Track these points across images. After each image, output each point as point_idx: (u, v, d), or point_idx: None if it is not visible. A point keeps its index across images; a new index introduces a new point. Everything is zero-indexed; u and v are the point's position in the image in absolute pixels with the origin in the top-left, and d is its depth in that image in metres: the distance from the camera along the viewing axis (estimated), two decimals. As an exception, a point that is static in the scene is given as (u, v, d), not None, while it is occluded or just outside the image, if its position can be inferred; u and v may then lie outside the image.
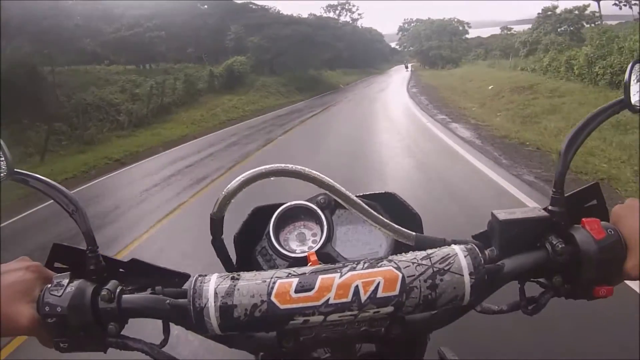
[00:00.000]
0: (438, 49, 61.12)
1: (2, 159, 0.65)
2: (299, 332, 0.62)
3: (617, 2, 33.20)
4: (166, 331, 0.65)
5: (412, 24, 78.34)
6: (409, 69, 70.96)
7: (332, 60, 45.27)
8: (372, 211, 0.67)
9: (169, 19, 31.05)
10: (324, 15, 70.00)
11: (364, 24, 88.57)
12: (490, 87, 19.56)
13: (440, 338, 0.84)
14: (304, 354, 0.67)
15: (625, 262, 0.59)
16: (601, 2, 32.76)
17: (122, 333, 0.62)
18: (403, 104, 20.75)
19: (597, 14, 32.93)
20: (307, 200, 0.91)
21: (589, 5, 32.48)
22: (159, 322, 0.64)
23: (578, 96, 13.29)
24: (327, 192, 0.66)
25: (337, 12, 75.30)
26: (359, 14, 78.43)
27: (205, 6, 38.39)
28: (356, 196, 0.68)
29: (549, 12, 33.03)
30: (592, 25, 32.71)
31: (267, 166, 0.65)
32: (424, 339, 0.81)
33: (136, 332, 0.64)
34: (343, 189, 0.66)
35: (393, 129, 13.32)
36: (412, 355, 0.77)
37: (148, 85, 22.27)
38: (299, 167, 0.65)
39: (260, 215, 0.92)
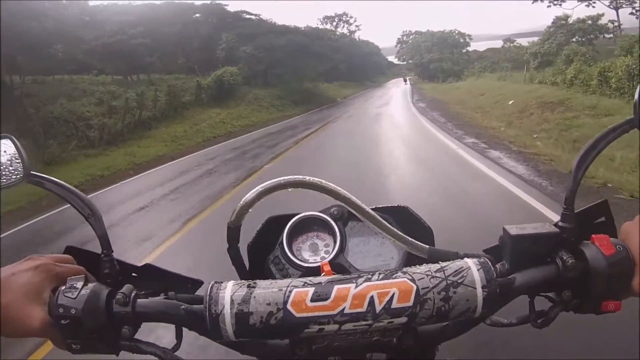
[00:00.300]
0: (439, 62, 59.18)
1: (19, 161, 0.66)
2: (312, 341, 0.63)
3: (633, 11, 30.97)
4: (179, 336, 0.65)
5: (411, 37, 76.48)
6: (408, 82, 69.69)
7: (328, 72, 43.14)
8: (387, 224, 0.67)
9: (155, 26, 28.95)
10: (321, 27, 68.82)
11: (360, 36, 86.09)
12: (510, 103, 17.31)
13: (448, 351, 0.83)
14: None
15: (633, 278, 0.60)
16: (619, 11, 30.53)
17: (134, 337, 0.63)
18: (415, 122, 18.26)
19: (615, 24, 30.78)
20: (320, 212, 0.92)
21: (602, 15, 30.33)
22: (165, 326, 0.64)
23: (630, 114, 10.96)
24: (341, 203, 0.66)
25: (335, 24, 73.84)
26: (356, 26, 76.86)
27: (198, 14, 36.14)
28: (370, 209, 0.68)
29: (562, 22, 30.87)
30: (604, 36, 30.73)
31: (285, 177, 0.66)
32: (433, 350, 0.79)
33: (143, 337, 0.64)
34: (359, 202, 0.66)
35: (416, 159, 10.00)
36: None
37: (128, 97, 19.98)
38: (316, 179, 0.66)
39: (274, 225, 0.93)
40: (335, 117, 23.68)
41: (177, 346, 0.65)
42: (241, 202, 0.67)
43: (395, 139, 13.74)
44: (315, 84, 40.57)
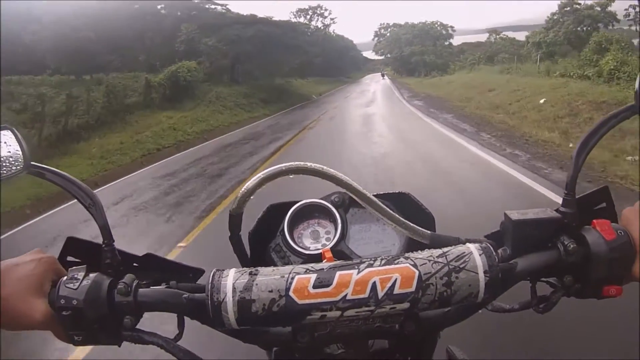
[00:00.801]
0: (421, 55, 55.52)
1: (19, 152, 0.65)
2: (315, 328, 0.63)
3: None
4: (181, 325, 0.65)
5: (389, 29, 72.55)
6: (385, 77, 67.25)
7: (302, 67, 38.94)
8: (389, 210, 0.67)
9: (103, 18, 24.30)
10: (294, 20, 64.77)
11: (335, 31, 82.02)
12: (542, 101, 13.36)
13: (448, 337, 0.83)
14: (317, 349, 0.68)
15: (634, 263, 0.60)
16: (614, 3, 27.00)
17: (137, 327, 0.63)
18: (432, 133, 12.60)
19: (636, 9, 27.18)
20: (321, 199, 0.91)
21: (613, 0, 26.71)
22: (166, 316, 0.63)
23: None
24: (342, 190, 0.67)
25: (309, 17, 69.68)
26: (331, 19, 72.58)
27: (161, 6, 31.67)
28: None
29: (567, 8, 27.19)
30: (612, 25, 27.23)
31: (286, 164, 0.66)
32: (435, 336, 0.78)
33: (144, 326, 0.64)
34: (360, 188, 0.66)
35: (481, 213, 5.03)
36: (422, 353, 0.77)
37: (59, 101, 15.61)
38: (318, 165, 0.66)
39: (275, 213, 0.92)
40: (313, 119, 19.48)
41: (179, 335, 0.65)
42: (243, 190, 0.67)
43: (420, 167, 8.47)
44: (287, 80, 36.28)
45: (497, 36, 50.07)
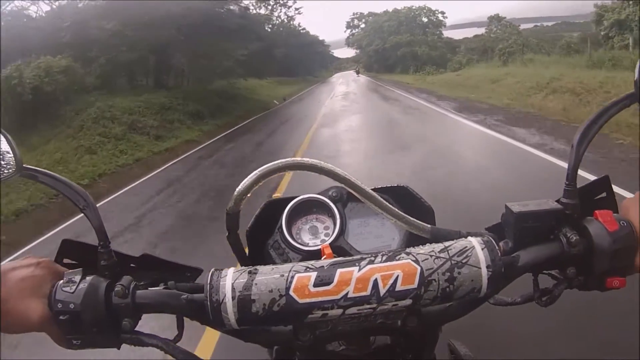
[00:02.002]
0: (409, 46, 45.57)
1: (11, 155, 0.64)
2: (316, 326, 0.63)
3: None
4: (180, 326, 0.65)
5: (364, 19, 62.84)
6: (360, 75, 59.87)
7: (259, 64, 28.50)
8: (388, 205, 0.66)
9: None
10: (254, 11, 54.72)
11: (301, 24, 71.64)
12: None
13: (450, 330, 0.82)
14: (319, 347, 0.69)
15: (637, 254, 0.60)
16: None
17: (136, 329, 0.62)
18: None
19: None
20: (319, 194, 0.91)
21: None
22: (163, 317, 0.63)
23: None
24: (340, 184, 0.66)
25: (270, 7, 59.57)
26: (296, 10, 62.11)
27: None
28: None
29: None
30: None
31: (283, 160, 0.65)
32: (437, 331, 0.78)
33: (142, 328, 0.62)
34: (358, 182, 0.65)
35: None
36: (424, 347, 0.76)
37: None
38: (314, 160, 0.64)
39: (272, 209, 0.91)
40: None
41: (178, 337, 0.65)
42: (239, 188, 0.65)
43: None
44: (232, 82, 25.51)
45: (499, 23, 40.85)
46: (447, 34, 54.05)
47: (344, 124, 14.20)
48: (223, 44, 21.22)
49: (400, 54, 46.02)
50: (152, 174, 10.15)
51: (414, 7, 52.88)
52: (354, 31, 65.50)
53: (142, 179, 9.78)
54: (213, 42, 20.76)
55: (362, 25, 61.87)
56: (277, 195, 5.65)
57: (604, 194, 0.69)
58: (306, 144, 11.01)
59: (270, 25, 56.20)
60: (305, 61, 63.67)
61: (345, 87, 37.08)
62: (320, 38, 77.85)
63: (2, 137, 0.65)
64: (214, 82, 23.37)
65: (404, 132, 11.69)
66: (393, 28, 50.49)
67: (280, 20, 60.17)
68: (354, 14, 69.03)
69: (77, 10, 19.14)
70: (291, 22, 62.48)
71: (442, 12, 51.35)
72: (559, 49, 22.31)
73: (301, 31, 65.61)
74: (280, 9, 60.65)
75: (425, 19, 51.17)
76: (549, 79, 14.28)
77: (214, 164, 10.45)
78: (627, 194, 0.89)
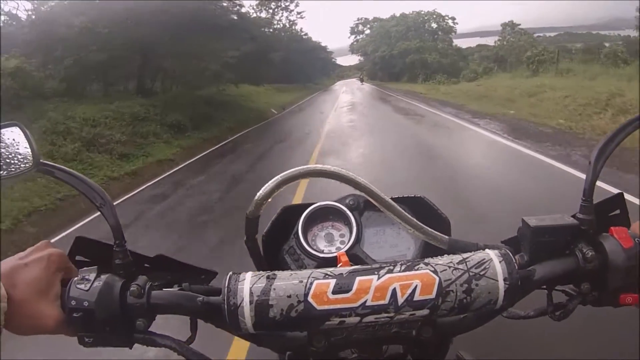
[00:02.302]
0: (418, 53, 42.50)
1: (28, 149, 0.65)
2: (331, 333, 0.63)
3: None
4: (194, 328, 0.65)
5: (368, 25, 60.20)
6: (364, 82, 57.96)
7: (255, 69, 25.70)
8: (407, 214, 0.67)
9: None
10: (255, 15, 52.15)
11: (303, 29, 68.87)
12: None
13: (459, 340, 0.80)
14: (332, 354, 0.68)
15: None
16: None
17: (149, 329, 0.62)
18: None
19: None
20: (335, 201, 0.91)
21: None
22: (171, 318, 0.62)
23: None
24: (357, 193, 0.67)
25: (271, 11, 57.00)
26: (298, 14, 59.49)
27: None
28: None
29: None
30: None
31: (304, 167, 0.65)
32: (449, 341, 0.77)
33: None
34: (379, 191, 0.66)
35: None
36: (435, 358, 0.75)
37: None
38: (335, 167, 0.65)
39: (288, 215, 0.92)
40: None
41: (192, 338, 0.65)
42: (260, 192, 0.66)
43: None
44: (222, 88, 22.45)
45: (512, 30, 38.25)
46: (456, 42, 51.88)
47: (356, 151, 10.29)
48: (213, 44, 18.32)
49: (409, 61, 43.00)
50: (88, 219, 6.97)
51: (422, 12, 49.72)
52: (358, 37, 63.03)
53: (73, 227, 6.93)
54: (203, 42, 17.90)
55: (367, 31, 59.38)
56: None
57: (618, 211, 0.69)
58: (302, 190, 6.24)
59: (270, 29, 53.93)
60: (307, 68, 61.03)
61: (350, 97, 34.20)
62: (323, 44, 75.25)
63: (19, 130, 0.65)
64: (205, 88, 20.62)
65: (456, 174, 7.31)
66: (401, 33, 47.62)
67: (281, 24, 58.16)
68: (358, 20, 66.42)
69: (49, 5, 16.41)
70: (293, 27, 60.34)
71: (453, 18, 48.59)
72: (604, 58, 19.41)
73: (303, 36, 63.13)
74: (282, 13, 58.64)
75: (434, 25, 48.37)
76: (608, 95, 11.40)
77: (173, 208, 7.63)
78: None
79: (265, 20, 54.91)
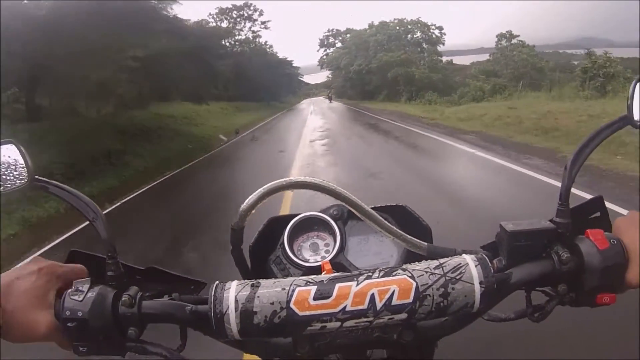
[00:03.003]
0: (403, 66, 36.26)
1: (23, 165, 0.67)
2: (315, 338, 0.65)
3: None
4: (184, 336, 0.67)
5: (341, 36, 54.34)
6: (333, 100, 54.36)
7: (199, 82, 19.16)
8: (387, 223, 0.69)
9: None
10: (215, 24, 45.95)
11: (268, 42, 62.24)
12: None
13: (447, 345, 0.83)
14: (317, 359, 0.69)
15: (627, 271, 0.61)
16: None
17: (141, 338, 0.64)
18: None
19: None
20: (320, 211, 0.94)
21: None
22: (164, 326, 0.64)
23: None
24: (340, 203, 0.68)
25: (233, 21, 50.50)
26: (262, 24, 53.22)
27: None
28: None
29: None
30: None
31: (286, 179, 0.67)
32: (433, 345, 0.81)
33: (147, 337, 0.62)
34: (359, 201, 0.68)
35: None
36: None
37: None
38: (317, 179, 0.67)
39: (275, 226, 0.95)
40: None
41: (182, 346, 0.67)
42: (244, 205, 0.68)
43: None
44: (130, 108, 15.84)
45: (509, 42, 32.85)
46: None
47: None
48: (105, 39, 11.43)
49: (392, 75, 36.80)
50: None
51: (405, 20, 43.78)
52: (328, 50, 57.30)
53: None
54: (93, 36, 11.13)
55: (339, 44, 53.68)
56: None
57: (598, 214, 0.71)
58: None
59: (230, 41, 47.82)
60: (271, 84, 54.92)
61: (321, 120, 27.16)
62: (289, 59, 68.99)
63: (14, 147, 0.67)
64: (104, 106, 13.74)
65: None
66: (381, 44, 41.48)
67: (244, 35, 51.87)
68: (329, 31, 60.96)
69: None
70: (257, 39, 54.03)
71: (440, 28, 42.27)
72: None
73: (267, 49, 56.97)
74: (244, 23, 52.39)
75: (418, 34, 42.33)
76: None
77: None
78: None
79: (225, 30, 49.02)
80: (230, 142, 19.18)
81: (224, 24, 50.23)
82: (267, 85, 53.17)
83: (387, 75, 36.97)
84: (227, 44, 47.08)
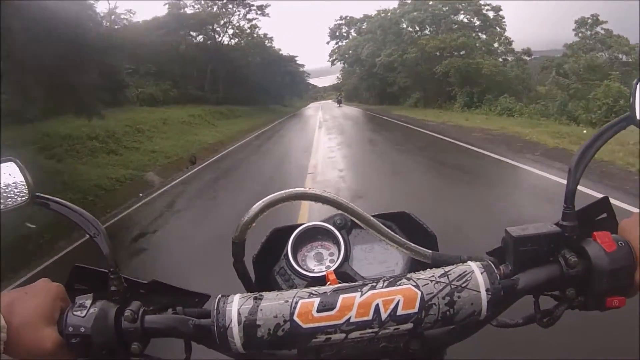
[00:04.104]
0: (464, 57, 25.24)
1: (24, 183, 0.67)
2: (320, 350, 0.64)
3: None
4: (188, 350, 0.66)
5: (357, 25, 44.28)
6: (342, 104, 49.00)
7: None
8: (389, 231, 0.68)
9: None
10: (199, 9, 36.54)
11: (268, 35, 52.41)
12: None
13: (456, 353, 0.82)
14: None
15: (635, 273, 0.61)
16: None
17: (145, 353, 0.64)
18: None
19: None
20: (323, 221, 0.93)
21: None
22: (169, 339, 0.64)
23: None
24: (344, 213, 0.67)
25: (222, 3, 40.33)
26: (259, 10, 43.13)
27: None
28: (372, 216, 0.70)
29: None
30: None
31: (287, 190, 0.66)
32: (442, 353, 0.79)
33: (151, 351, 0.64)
34: (360, 210, 0.67)
35: None
36: None
37: None
38: (318, 190, 0.66)
39: (278, 236, 0.94)
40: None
41: None
42: (245, 217, 0.67)
43: None
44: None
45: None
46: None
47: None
48: None
49: (443, 68, 25.44)
50: None
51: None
52: (340, 43, 46.80)
53: None
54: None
55: (354, 35, 43.31)
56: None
57: (604, 215, 0.69)
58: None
59: (216, 26, 38.11)
60: (271, 85, 45.62)
61: (345, 147, 13.75)
62: (292, 55, 58.97)
63: (14, 165, 0.67)
64: None
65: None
66: (422, 23, 29.28)
67: (238, 24, 42.10)
68: (341, 18, 50.00)
69: None
70: (255, 31, 44.23)
71: (497, 9, 28.85)
72: None
73: (266, 43, 47.23)
74: (237, 8, 42.47)
75: (463, 18, 29.98)
76: None
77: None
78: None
79: (211, 13, 39.40)
80: (167, 188, 9.94)
81: (214, 9, 40.48)
82: (265, 85, 43.96)
83: (435, 68, 25.80)
84: (215, 33, 37.70)
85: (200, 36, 38.59)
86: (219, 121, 26.73)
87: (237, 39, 41.91)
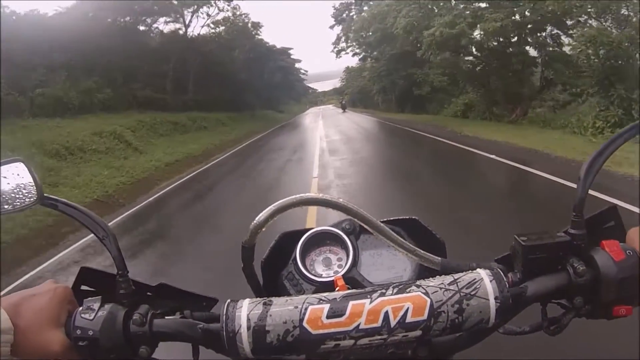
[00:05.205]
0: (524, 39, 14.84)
1: (32, 184, 0.67)
2: (329, 356, 0.64)
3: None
4: (196, 354, 0.66)
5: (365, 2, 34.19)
6: (346, 110, 45.16)
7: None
8: (398, 237, 0.69)
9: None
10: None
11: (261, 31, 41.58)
12: None
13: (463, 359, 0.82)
14: None
15: None
16: None
17: (153, 356, 0.64)
18: None
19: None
20: (332, 226, 0.93)
21: None
22: (177, 343, 0.64)
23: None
24: (352, 218, 0.67)
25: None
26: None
27: None
28: (381, 221, 0.70)
29: None
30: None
31: (297, 196, 0.67)
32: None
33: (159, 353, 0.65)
34: (369, 216, 0.67)
35: None
36: None
37: None
38: (327, 196, 0.66)
39: (287, 241, 0.94)
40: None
41: None
42: (254, 222, 0.67)
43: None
44: None
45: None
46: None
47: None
48: None
49: (518, 63, 15.77)
50: None
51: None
52: (351, 25, 34.52)
53: None
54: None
55: (365, 14, 32.17)
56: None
57: (612, 223, 0.70)
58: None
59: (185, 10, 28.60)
60: (259, 85, 36.67)
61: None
62: (286, 47, 49.09)
63: (23, 166, 0.67)
64: None
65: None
66: None
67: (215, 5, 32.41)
68: (344, 1, 39.76)
69: None
70: (240, 18, 34.41)
71: None
72: None
73: (255, 34, 37.40)
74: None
75: None
76: None
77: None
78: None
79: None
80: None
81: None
82: (254, 86, 35.01)
83: (492, 62, 15.97)
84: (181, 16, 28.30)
85: (163, 22, 28.82)
86: (159, 139, 17.31)
87: (213, 27, 32.34)
